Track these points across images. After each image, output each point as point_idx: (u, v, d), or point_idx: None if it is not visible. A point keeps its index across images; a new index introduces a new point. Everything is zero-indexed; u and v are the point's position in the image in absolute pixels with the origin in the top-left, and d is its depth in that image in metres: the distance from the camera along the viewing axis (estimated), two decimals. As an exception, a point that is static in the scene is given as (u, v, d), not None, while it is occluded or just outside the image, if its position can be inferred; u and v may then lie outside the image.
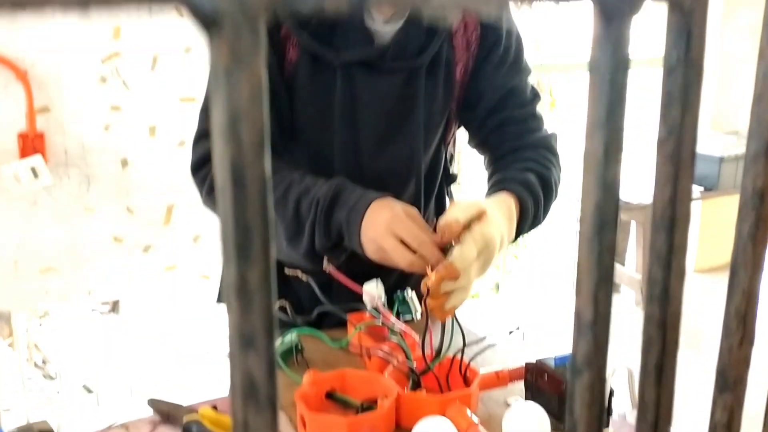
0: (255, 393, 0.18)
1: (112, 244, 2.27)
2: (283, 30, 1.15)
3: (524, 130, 1.24)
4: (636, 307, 4.02)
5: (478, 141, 1.29)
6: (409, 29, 1.15)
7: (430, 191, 1.32)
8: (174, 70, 2.27)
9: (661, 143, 0.27)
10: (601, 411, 0.28)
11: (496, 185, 1.15)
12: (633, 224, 3.97)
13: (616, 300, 4.31)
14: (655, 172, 0.28)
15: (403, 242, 0.97)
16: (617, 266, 3.99)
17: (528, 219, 1.12)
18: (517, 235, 1.12)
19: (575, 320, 0.26)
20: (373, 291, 1.14)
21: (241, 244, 0.17)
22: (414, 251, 0.97)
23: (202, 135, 1.17)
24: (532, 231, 1.17)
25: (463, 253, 0.96)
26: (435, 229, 0.99)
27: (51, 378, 3.06)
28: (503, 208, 1.08)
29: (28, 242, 2.17)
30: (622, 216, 3.93)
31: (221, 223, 0.18)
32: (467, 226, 0.98)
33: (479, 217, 0.99)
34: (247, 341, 0.18)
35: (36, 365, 3.57)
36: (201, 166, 1.16)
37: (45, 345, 3.37)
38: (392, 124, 1.19)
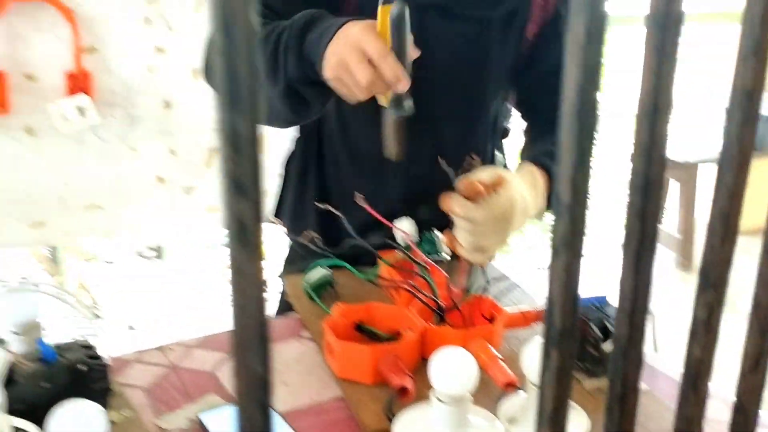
0: (245, 234, 0.20)
1: (155, 183, 2.32)
2: None
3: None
4: (675, 269, 3.96)
5: (523, 98, 1.32)
6: None
7: (485, 143, 1.32)
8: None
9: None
10: (575, 292, 0.29)
11: (524, 157, 1.18)
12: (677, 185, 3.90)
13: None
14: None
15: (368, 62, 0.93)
16: (657, 225, 3.93)
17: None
18: (547, 208, 1.13)
19: (554, 203, 0.27)
20: (405, 228, 1.17)
21: (230, 91, 0.19)
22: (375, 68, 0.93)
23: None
24: None
25: (471, 212, 0.97)
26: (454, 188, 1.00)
27: (98, 317, 3.17)
28: (527, 178, 1.10)
29: (74, 180, 2.23)
30: (665, 175, 3.86)
31: (217, 75, 0.20)
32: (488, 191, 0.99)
33: (500, 183, 1.00)
34: (238, 187, 0.20)
35: (85, 306, 3.68)
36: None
37: (93, 287, 3.47)
38: (461, 72, 1.18)
